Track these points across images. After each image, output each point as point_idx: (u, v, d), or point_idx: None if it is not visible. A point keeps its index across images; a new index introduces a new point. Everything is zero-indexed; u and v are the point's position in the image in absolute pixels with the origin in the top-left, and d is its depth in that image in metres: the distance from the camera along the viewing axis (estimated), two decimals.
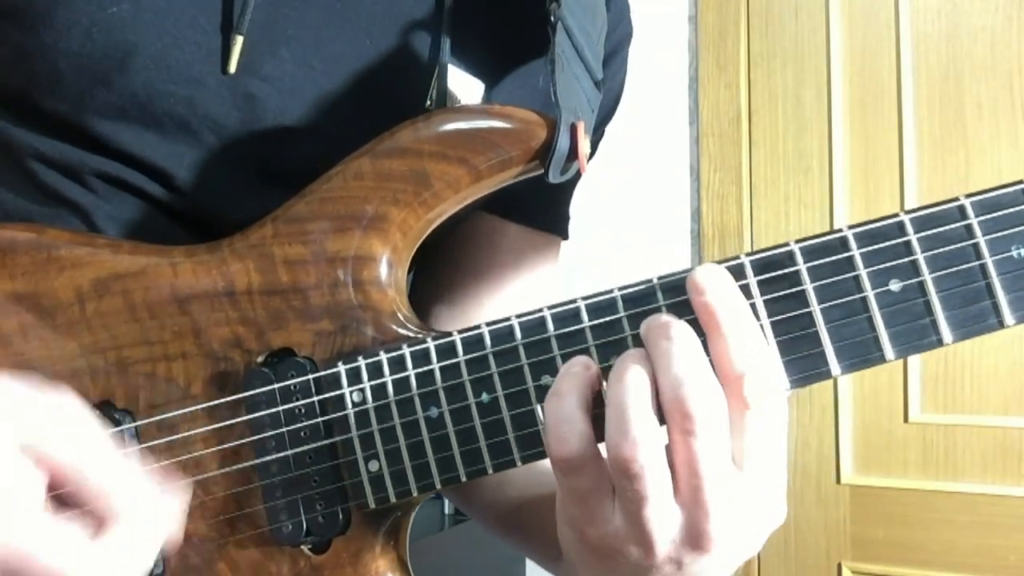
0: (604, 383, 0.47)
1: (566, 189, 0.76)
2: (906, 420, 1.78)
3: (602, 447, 0.46)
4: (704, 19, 1.98)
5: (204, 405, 0.52)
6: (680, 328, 0.44)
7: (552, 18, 0.57)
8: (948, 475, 1.75)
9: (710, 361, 0.44)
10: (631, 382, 0.44)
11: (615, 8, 0.71)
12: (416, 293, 0.77)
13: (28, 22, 0.57)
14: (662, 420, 0.44)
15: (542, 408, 0.48)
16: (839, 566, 1.82)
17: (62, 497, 0.44)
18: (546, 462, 0.55)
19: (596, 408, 0.46)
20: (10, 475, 0.42)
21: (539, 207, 0.74)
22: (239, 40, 0.57)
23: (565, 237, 0.78)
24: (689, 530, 0.44)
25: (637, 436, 0.43)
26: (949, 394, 1.75)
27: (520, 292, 0.74)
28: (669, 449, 0.44)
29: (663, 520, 0.44)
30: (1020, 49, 1.73)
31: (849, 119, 1.86)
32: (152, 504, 0.44)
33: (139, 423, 0.54)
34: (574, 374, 0.46)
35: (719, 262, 0.46)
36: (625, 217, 2.00)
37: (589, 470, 0.45)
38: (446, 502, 1.92)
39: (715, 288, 0.45)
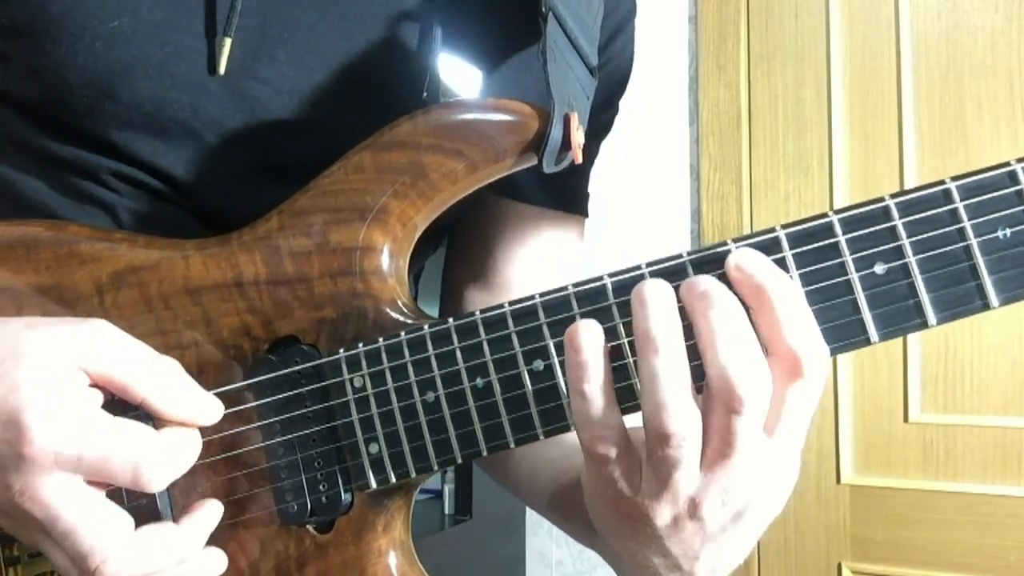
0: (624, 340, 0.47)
1: (582, 169, 0.76)
2: (906, 420, 1.78)
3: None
4: (704, 19, 1.99)
5: (214, 391, 0.54)
6: (724, 298, 0.44)
7: (543, 9, 0.57)
8: (948, 475, 1.75)
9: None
10: (664, 348, 0.44)
11: None
12: (449, 277, 0.79)
13: (36, 39, 0.58)
14: (696, 376, 0.44)
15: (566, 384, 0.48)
16: (839, 566, 1.82)
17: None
18: (556, 443, 0.56)
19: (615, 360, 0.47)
20: (74, 390, 0.48)
21: (555, 188, 0.75)
22: (227, 42, 0.59)
23: (585, 215, 0.79)
24: (715, 488, 0.45)
25: (674, 408, 0.43)
26: (949, 394, 1.75)
27: (544, 272, 0.75)
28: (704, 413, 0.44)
29: (695, 481, 0.45)
30: (1020, 49, 1.74)
31: (849, 119, 1.86)
32: (195, 406, 0.52)
33: None
34: (590, 347, 0.46)
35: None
36: (625, 217, 2.01)
37: (616, 447, 0.46)
38: (446, 502, 1.92)
39: (762, 267, 0.45)
